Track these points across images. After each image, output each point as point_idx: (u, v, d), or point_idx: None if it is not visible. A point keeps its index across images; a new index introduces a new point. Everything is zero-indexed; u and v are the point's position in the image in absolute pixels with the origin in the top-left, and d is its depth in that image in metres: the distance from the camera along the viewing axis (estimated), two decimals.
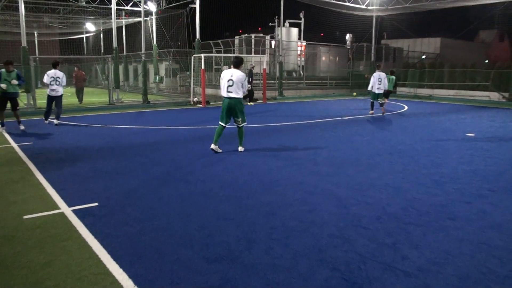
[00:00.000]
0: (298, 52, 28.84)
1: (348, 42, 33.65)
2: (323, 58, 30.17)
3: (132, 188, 6.27)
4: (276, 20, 27.42)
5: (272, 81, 25.73)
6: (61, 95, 12.97)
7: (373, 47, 29.78)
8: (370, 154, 8.83)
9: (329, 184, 6.56)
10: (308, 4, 26.55)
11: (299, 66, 29.16)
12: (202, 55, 19.60)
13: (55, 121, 12.95)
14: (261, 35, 29.50)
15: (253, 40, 27.50)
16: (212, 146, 8.75)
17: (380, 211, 5.36)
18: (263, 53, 26.48)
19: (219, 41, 28.90)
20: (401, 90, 28.36)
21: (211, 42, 29.06)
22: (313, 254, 4.13)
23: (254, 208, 5.40)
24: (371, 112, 16.16)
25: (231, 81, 8.45)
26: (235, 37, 29.04)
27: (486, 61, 38.21)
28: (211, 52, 27.23)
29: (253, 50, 26.97)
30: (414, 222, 5.02)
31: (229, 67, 9.04)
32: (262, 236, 4.54)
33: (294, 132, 11.66)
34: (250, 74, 19.51)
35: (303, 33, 29.94)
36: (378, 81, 15.57)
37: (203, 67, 19.26)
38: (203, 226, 4.78)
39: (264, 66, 21.88)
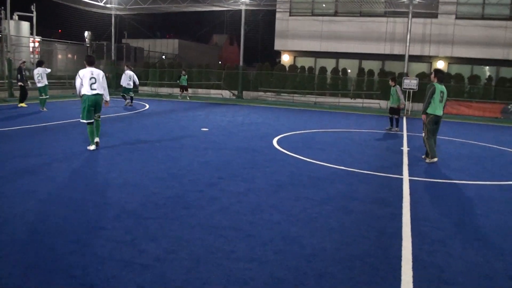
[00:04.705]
0: (31, 49, 26.39)
1: (87, 40, 32.47)
2: (60, 56, 28.37)
3: None
4: (3, 12, 24.45)
5: (1, 81, 22.87)
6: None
7: (113, 46, 29.45)
8: (110, 155, 8.75)
9: (65, 189, 6.24)
10: None
11: (32, 64, 26.68)
12: None
13: None
14: None
15: None
16: (93, 147, 9.07)
17: (119, 209, 5.40)
18: None
19: None
20: (142, 89, 28.95)
21: None
22: (46, 265, 3.87)
23: None
24: (127, 103, 19.46)
25: (93, 79, 8.84)
26: None
27: (220, 62, 42.18)
28: None
29: None
30: (152, 215, 5.23)
31: None
32: None
33: (22, 138, 10.60)
34: (20, 71, 17.20)
35: (36, 28, 27.50)
36: (128, 78, 19.39)
37: None
38: None
39: None
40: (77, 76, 9.01)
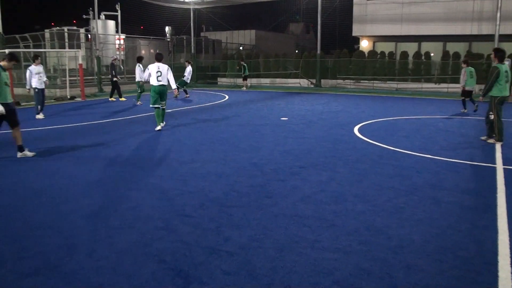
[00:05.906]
0: (117, 46, 27.82)
1: (168, 34, 33.61)
2: (143, 52, 29.64)
3: None
4: (91, 12, 25.96)
5: (91, 77, 24.41)
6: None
7: (192, 40, 30.29)
8: (193, 145, 9.03)
9: (152, 178, 6.54)
10: None
11: (119, 60, 28.16)
12: (7, 50, 17.59)
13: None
14: (75, 28, 27.65)
15: (66, 34, 25.62)
16: (159, 127, 10.80)
17: (203, 198, 5.55)
18: (78, 47, 24.89)
19: (26, 34, 26.26)
20: (221, 80, 29.55)
21: (17, 36, 26.26)
22: (138, 249, 4.09)
23: (73, 212, 5.09)
24: (186, 96, 20.29)
25: (159, 72, 10.50)
26: (45, 30, 26.69)
27: (297, 51, 41.94)
28: (18, 47, 24.59)
29: (66, 44, 25.11)
30: (235, 204, 5.32)
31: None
32: (84, 239, 4.32)
33: (114, 130, 11.25)
34: (112, 67, 18.59)
35: (120, 25, 28.95)
36: (188, 73, 20.11)
37: None
38: (15, 240, 4.35)
39: (80, 61, 20.62)
40: (147, 69, 10.84)
